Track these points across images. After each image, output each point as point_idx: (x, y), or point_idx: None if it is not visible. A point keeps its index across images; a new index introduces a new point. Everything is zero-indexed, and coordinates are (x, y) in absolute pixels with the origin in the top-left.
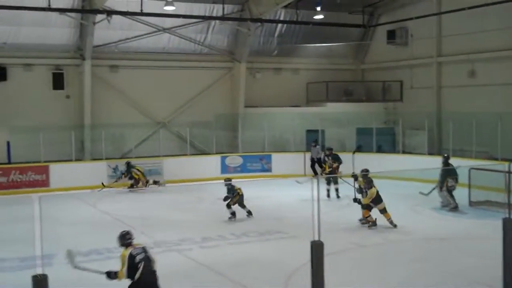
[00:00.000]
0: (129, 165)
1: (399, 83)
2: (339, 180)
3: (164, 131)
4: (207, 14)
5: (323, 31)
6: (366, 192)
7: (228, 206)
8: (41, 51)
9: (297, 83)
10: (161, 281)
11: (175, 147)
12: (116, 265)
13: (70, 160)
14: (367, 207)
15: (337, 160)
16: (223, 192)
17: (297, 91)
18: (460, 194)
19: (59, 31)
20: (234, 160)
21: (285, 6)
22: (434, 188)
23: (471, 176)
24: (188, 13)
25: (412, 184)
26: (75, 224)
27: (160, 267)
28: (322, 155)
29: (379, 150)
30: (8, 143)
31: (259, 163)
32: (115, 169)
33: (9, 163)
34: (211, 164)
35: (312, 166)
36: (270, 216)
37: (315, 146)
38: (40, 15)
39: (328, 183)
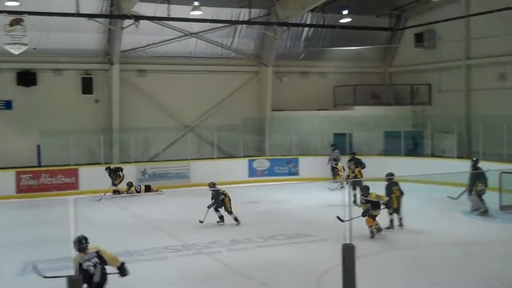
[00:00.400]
0: (114, 170)
1: (427, 86)
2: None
3: (192, 135)
4: (233, 19)
5: (350, 35)
6: (368, 201)
7: (216, 210)
8: (70, 56)
9: (324, 87)
10: (191, 283)
11: (203, 151)
12: (146, 267)
13: (99, 163)
14: (370, 215)
15: (360, 164)
16: (251, 195)
17: (324, 94)
18: (491, 198)
19: (87, 36)
20: (262, 163)
21: (312, 10)
22: (463, 192)
23: (502, 179)
24: (215, 18)
25: (441, 188)
26: (106, 226)
27: (190, 270)
28: (338, 159)
29: (409, 153)
30: (38, 147)
31: (286, 167)
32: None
33: (40, 166)
34: (238, 167)
35: (333, 170)
36: (298, 219)
37: (334, 149)
38: (69, 21)
39: (354, 188)
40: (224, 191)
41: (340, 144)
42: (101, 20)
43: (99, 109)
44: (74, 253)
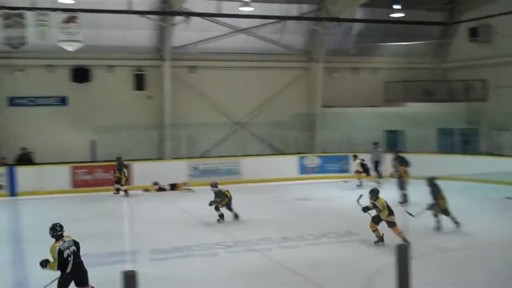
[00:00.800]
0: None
1: (482, 82)
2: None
3: (242, 131)
4: (283, 14)
5: (401, 30)
6: (375, 205)
7: (217, 208)
8: (122, 53)
9: (375, 83)
10: (241, 280)
11: (253, 147)
12: (196, 263)
13: (151, 159)
14: (375, 220)
15: (404, 163)
16: (302, 193)
17: (375, 90)
18: None
19: (139, 33)
20: (312, 160)
21: (363, 5)
22: None
23: None
24: (264, 14)
25: (497, 187)
26: (156, 221)
27: (240, 266)
28: (381, 158)
29: (464, 151)
30: (92, 142)
31: (337, 164)
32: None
33: (94, 161)
34: (288, 164)
35: (375, 168)
36: (349, 217)
37: (376, 148)
38: (121, 18)
39: (401, 188)
40: (226, 191)
41: (391, 141)
42: (152, 17)
43: (150, 105)
44: (124, 247)
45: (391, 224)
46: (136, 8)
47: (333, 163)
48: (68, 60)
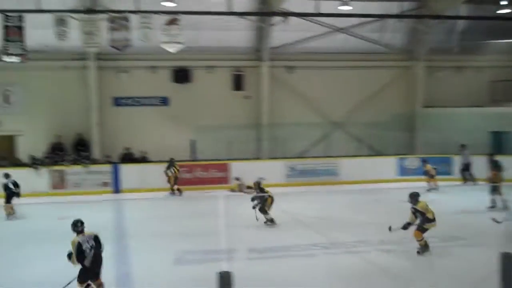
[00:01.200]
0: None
1: None
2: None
3: (339, 131)
4: (383, 12)
5: (508, 26)
6: (416, 210)
7: (263, 211)
8: (221, 54)
9: (480, 82)
10: (338, 282)
11: (351, 148)
12: (294, 263)
13: (249, 159)
14: (420, 228)
15: (497, 167)
16: (401, 195)
17: (480, 90)
18: None
19: (238, 34)
20: (413, 162)
21: (467, 1)
22: None
23: None
24: (363, 12)
25: None
26: (254, 221)
27: (337, 268)
28: (469, 161)
29: None
30: (192, 141)
31: (439, 166)
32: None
33: (194, 160)
34: (387, 165)
35: (462, 171)
36: (452, 221)
37: (463, 150)
38: (220, 19)
39: (492, 193)
40: (267, 191)
41: (496, 143)
42: (251, 17)
43: (249, 105)
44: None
45: (424, 230)
46: (235, 9)
47: (434, 165)
48: (170, 61)
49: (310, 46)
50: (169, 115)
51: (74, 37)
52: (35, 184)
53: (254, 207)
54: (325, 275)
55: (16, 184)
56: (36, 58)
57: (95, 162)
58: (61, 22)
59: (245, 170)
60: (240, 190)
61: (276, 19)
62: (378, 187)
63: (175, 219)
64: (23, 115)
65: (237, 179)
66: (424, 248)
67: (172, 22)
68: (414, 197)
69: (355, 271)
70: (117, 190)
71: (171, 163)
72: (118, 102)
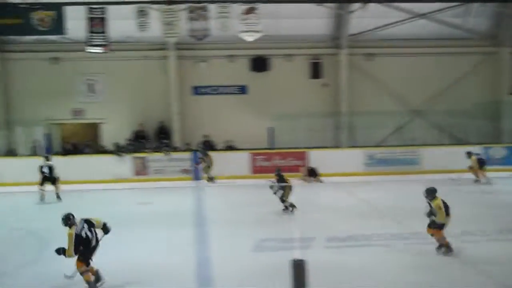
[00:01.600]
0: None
1: None
2: None
3: (420, 120)
4: None
5: None
6: (430, 205)
7: (283, 200)
8: (299, 42)
9: None
10: (415, 273)
11: (431, 136)
12: (372, 252)
13: (327, 147)
14: (440, 227)
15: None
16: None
17: None
18: None
19: (316, 21)
20: (498, 152)
21: None
22: None
23: None
24: None
25: None
26: (332, 210)
27: (416, 259)
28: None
29: None
30: (270, 129)
31: None
32: None
33: (271, 148)
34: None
35: None
36: None
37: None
38: (298, 7)
39: None
40: (287, 179)
41: None
42: (329, 5)
43: (327, 93)
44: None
45: (441, 227)
46: None
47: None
48: (248, 50)
49: (389, 32)
50: (247, 104)
51: (155, 27)
52: (119, 171)
53: (275, 193)
54: (402, 266)
55: (50, 169)
56: (118, 48)
57: (175, 149)
58: (142, 13)
59: (324, 159)
60: (304, 180)
61: (355, 5)
62: (461, 176)
63: (252, 205)
64: (106, 103)
65: (303, 166)
66: (449, 248)
67: (250, 11)
68: (430, 193)
69: (432, 262)
70: (197, 177)
71: (201, 152)
72: (197, 91)
